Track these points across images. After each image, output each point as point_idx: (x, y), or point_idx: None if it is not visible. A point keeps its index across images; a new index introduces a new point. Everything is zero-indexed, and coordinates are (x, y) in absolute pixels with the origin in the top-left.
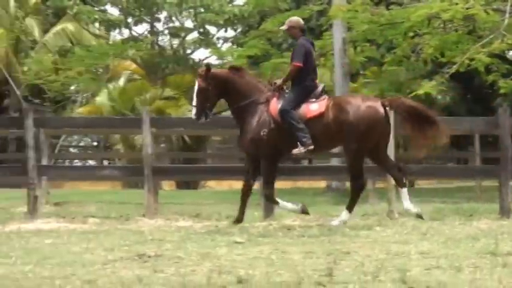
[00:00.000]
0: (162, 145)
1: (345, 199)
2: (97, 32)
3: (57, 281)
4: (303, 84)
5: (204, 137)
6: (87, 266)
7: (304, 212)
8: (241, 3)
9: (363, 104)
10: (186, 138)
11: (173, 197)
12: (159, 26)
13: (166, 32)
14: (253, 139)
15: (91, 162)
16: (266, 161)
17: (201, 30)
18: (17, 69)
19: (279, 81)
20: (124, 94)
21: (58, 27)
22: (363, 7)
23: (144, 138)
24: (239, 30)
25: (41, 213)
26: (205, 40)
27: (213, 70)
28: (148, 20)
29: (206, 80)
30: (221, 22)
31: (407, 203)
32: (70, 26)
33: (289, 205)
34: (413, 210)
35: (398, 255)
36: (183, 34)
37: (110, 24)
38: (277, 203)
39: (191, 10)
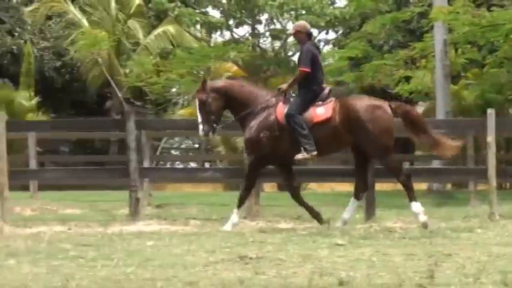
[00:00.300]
0: None
1: (446, 201)
2: (198, 34)
3: (158, 283)
4: (309, 88)
5: None
6: (189, 267)
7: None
8: (343, 6)
9: (370, 104)
10: None
11: (274, 199)
12: (260, 28)
13: (267, 34)
14: (251, 139)
15: (192, 165)
16: (256, 160)
17: None
18: (118, 72)
19: (284, 86)
20: None
21: (159, 30)
22: (464, 9)
23: None
24: (340, 32)
25: (143, 215)
26: None
27: (211, 82)
28: (250, 22)
29: (205, 93)
30: (322, 24)
31: (348, 215)
32: (171, 29)
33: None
34: (341, 223)
35: (500, 257)
36: (284, 36)
37: (211, 27)
38: (239, 207)
39: (292, 12)
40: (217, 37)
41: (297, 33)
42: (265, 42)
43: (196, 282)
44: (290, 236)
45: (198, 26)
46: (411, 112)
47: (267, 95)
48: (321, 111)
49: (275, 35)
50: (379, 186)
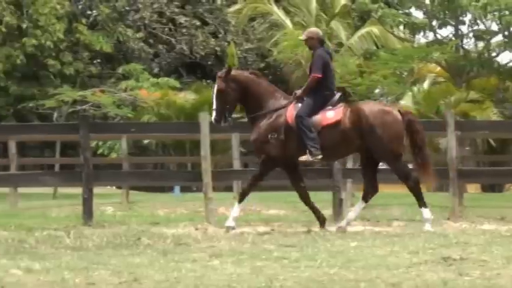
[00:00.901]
0: (467, 148)
1: None
2: (401, 35)
3: (362, 284)
4: (320, 93)
5: (510, 140)
6: (392, 269)
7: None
8: None
9: (381, 110)
10: (491, 141)
11: (478, 200)
12: (464, 28)
13: (471, 35)
14: (258, 140)
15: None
16: (263, 164)
17: (506, 33)
18: None
19: (299, 92)
20: (428, 97)
21: (363, 31)
22: None
23: (449, 141)
24: None
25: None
26: (510, 43)
27: (235, 72)
28: (453, 23)
29: (226, 82)
30: None
31: (352, 215)
32: (375, 30)
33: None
34: (343, 225)
35: None
36: (487, 37)
37: (415, 28)
38: (240, 201)
39: (495, 13)
40: (420, 38)
41: (309, 40)
42: (469, 43)
43: (399, 284)
44: (494, 237)
45: (401, 27)
46: (415, 123)
47: (280, 97)
48: (330, 115)
49: (478, 36)
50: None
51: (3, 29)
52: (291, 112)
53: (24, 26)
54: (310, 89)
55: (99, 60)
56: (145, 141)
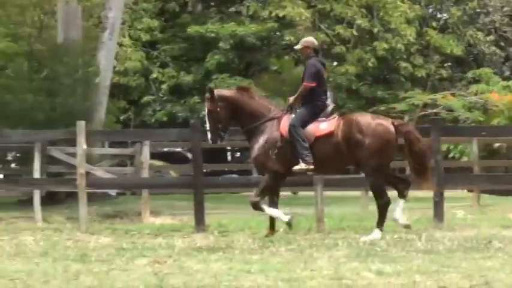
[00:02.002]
0: None
1: None
2: None
3: None
4: (313, 103)
5: None
6: None
7: (289, 224)
8: None
9: (373, 122)
10: None
11: None
12: None
13: None
14: (259, 157)
15: None
16: (270, 178)
17: None
18: None
19: (291, 99)
20: None
21: None
22: None
23: None
24: None
25: None
26: None
27: (218, 91)
28: None
29: (213, 102)
30: None
31: (398, 214)
32: None
33: (276, 212)
34: (401, 222)
35: None
36: None
37: None
38: (262, 209)
39: None
40: None
41: (304, 49)
42: None
43: None
44: None
45: None
46: (413, 132)
47: (274, 109)
48: (323, 126)
49: None
50: None
51: (355, 33)
52: (284, 124)
53: (375, 29)
54: (302, 97)
55: (449, 64)
56: (496, 145)
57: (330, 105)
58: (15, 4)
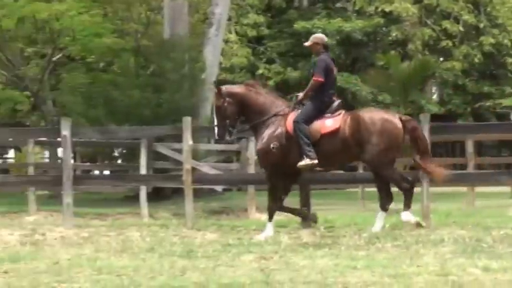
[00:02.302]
0: None
1: None
2: None
3: None
4: (320, 99)
5: None
6: None
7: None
8: None
9: (381, 117)
10: None
11: None
12: None
13: None
14: (261, 150)
15: None
16: (270, 176)
17: None
18: None
19: (300, 95)
20: None
21: None
22: None
23: None
24: None
25: None
26: None
27: (226, 87)
28: None
29: (221, 98)
30: None
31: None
32: None
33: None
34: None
35: None
36: None
37: None
38: (270, 220)
39: None
40: None
41: (313, 45)
42: None
43: None
44: None
45: None
46: (418, 129)
47: (281, 105)
48: (329, 123)
49: None
50: None
51: (461, 28)
52: (290, 120)
53: (481, 24)
54: (312, 93)
55: None
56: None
57: (336, 101)
58: (122, 0)
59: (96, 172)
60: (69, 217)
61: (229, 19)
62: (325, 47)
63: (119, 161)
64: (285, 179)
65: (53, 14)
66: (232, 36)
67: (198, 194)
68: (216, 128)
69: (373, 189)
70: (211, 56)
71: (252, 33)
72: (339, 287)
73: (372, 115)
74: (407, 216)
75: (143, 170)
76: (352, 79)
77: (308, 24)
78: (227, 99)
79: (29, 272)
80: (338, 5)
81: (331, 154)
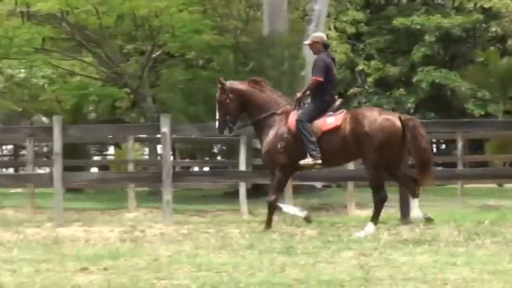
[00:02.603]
0: None
1: None
2: None
3: None
4: (322, 98)
5: None
6: None
7: (308, 220)
8: None
9: (379, 116)
10: None
11: None
12: None
13: None
14: (269, 152)
15: None
16: (281, 173)
17: None
18: None
19: (299, 94)
20: None
21: None
22: None
23: None
24: None
25: None
26: None
27: (230, 83)
28: None
29: (224, 93)
30: None
31: (416, 212)
32: None
33: (293, 209)
34: (421, 218)
35: None
36: None
37: None
38: (280, 208)
39: None
40: None
41: (313, 44)
42: None
43: None
44: None
45: None
46: (419, 128)
47: (283, 103)
48: (330, 121)
49: None
50: None
51: None
52: (292, 118)
53: None
54: (310, 92)
55: None
56: None
57: (338, 100)
58: None
59: (196, 169)
60: (169, 214)
61: (329, 15)
62: (325, 45)
63: (218, 158)
64: (290, 176)
65: (152, 10)
66: (332, 33)
67: (297, 191)
68: (216, 123)
69: (472, 186)
70: (311, 53)
71: (351, 29)
72: (438, 283)
73: (371, 113)
74: (369, 228)
75: (242, 167)
76: (452, 75)
77: (407, 21)
78: (230, 95)
79: (129, 268)
80: (437, 1)
81: (332, 152)
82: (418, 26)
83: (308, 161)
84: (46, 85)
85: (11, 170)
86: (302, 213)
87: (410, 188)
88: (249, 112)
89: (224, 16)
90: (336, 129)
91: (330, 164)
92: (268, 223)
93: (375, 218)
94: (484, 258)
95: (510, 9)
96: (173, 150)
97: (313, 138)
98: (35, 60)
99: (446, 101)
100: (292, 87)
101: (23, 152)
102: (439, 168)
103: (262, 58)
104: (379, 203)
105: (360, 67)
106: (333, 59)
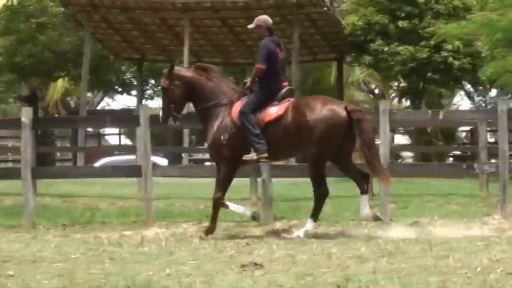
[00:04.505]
0: None
1: None
2: None
3: None
4: (266, 87)
5: None
6: None
7: (255, 218)
8: None
9: (323, 106)
10: None
11: None
12: None
13: None
14: (213, 144)
15: None
16: (226, 167)
17: None
18: None
19: (248, 83)
20: None
21: None
22: None
23: None
24: None
25: None
26: None
27: (176, 69)
28: None
29: (169, 80)
30: None
31: (365, 210)
32: None
33: (240, 208)
34: (371, 216)
35: None
36: None
37: None
38: (226, 206)
39: None
40: None
41: (257, 28)
42: None
43: None
44: None
45: None
46: (363, 121)
47: (230, 92)
48: (273, 110)
49: None
50: None
51: None
52: (236, 109)
53: None
54: (257, 81)
55: None
56: None
57: (285, 88)
58: None
59: None
60: None
61: None
62: (269, 30)
63: None
64: (235, 170)
65: None
66: None
67: None
68: (160, 111)
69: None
70: None
71: None
72: None
73: (315, 103)
74: (310, 225)
75: None
76: None
77: None
78: (175, 81)
79: None
80: None
81: (276, 144)
82: None
83: (252, 155)
84: None
85: None
86: (249, 212)
87: (359, 184)
88: (195, 100)
89: None
90: (278, 120)
91: (276, 157)
92: (213, 222)
93: (315, 215)
94: None
95: None
96: None
97: (257, 131)
98: None
99: None
100: None
101: None
102: None
103: None
104: (320, 199)
105: None
106: (279, 44)
